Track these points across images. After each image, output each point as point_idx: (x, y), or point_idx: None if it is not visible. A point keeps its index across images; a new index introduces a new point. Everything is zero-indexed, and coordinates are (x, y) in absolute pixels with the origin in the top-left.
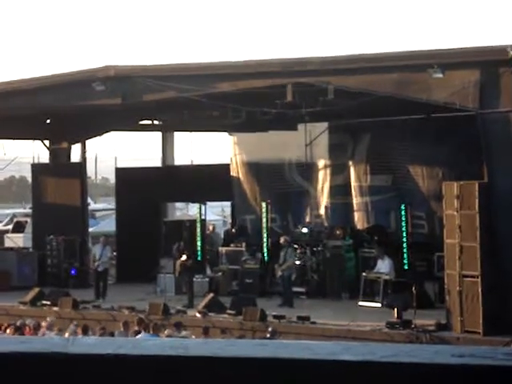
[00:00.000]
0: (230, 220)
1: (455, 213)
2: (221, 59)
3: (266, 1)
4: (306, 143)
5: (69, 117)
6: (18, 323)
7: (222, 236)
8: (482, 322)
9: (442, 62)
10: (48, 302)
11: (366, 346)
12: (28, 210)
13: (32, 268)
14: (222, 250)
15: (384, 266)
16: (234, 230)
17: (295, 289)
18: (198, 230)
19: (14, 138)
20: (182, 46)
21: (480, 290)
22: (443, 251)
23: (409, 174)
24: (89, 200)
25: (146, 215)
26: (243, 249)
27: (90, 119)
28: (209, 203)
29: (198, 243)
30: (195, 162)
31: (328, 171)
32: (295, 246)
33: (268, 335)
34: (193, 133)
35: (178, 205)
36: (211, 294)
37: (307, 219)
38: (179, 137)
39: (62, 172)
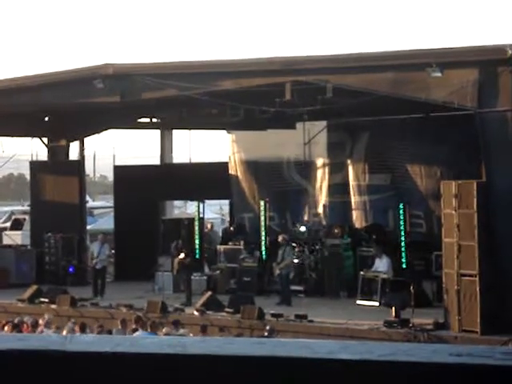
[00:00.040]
0: (228, 218)
1: (453, 212)
2: (219, 57)
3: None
4: (304, 142)
5: (67, 114)
6: (16, 321)
7: (221, 234)
8: (479, 321)
9: (441, 61)
10: (46, 300)
11: (364, 344)
12: (26, 208)
13: (30, 265)
14: (220, 248)
15: (382, 264)
16: (232, 229)
17: (293, 287)
18: (197, 228)
19: (12, 136)
20: (180, 45)
21: (478, 289)
22: (441, 250)
23: (407, 173)
24: (87, 198)
25: (144, 213)
26: (241, 247)
27: (89, 117)
28: (207, 201)
29: (196, 241)
30: (194, 160)
31: (326, 170)
32: (293, 244)
33: (266, 333)
34: (191, 131)
35: (177, 203)
36: (209, 292)
37: (305, 218)
38: (178, 135)
39: (60, 170)
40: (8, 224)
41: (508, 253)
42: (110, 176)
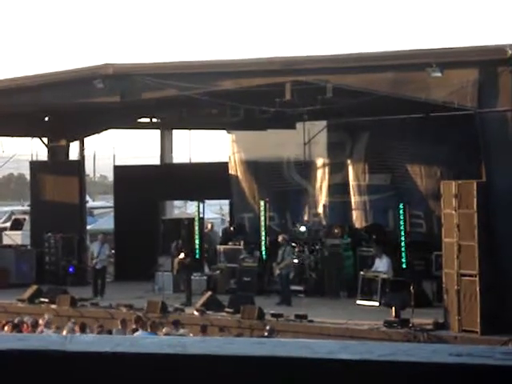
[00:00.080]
0: (228, 218)
1: (453, 212)
2: (219, 57)
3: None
4: (304, 142)
5: (67, 114)
6: (16, 321)
7: (220, 234)
8: (479, 321)
9: (441, 61)
10: (46, 300)
11: (364, 344)
12: (26, 208)
13: (30, 265)
14: (220, 248)
15: (382, 264)
16: (232, 229)
17: (293, 287)
18: (197, 228)
19: (12, 136)
20: (180, 45)
21: (478, 289)
22: (441, 250)
23: (407, 173)
24: (87, 198)
25: (144, 213)
26: (241, 247)
27: (89, 117)
28: (207, 201)
29: (196, 241)
30: (194, 160)
31: (326, 170)
32: (293, 244)
33: (266, 333)
34: (191, 131)
35: (177, 203)
36: (209, 292)
37: (305, 218)
38: (178, 135)
39: (60, 170)
40: (8, 224)
41: (508, 253)
42: (110, 176)
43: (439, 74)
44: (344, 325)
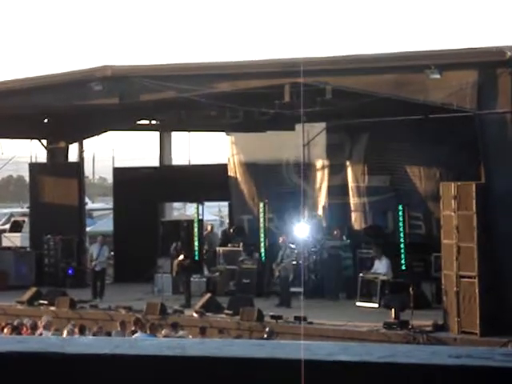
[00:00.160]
0: (226, 220)
1: (452, 213)
2: (218, 59)
3: (264, 1)
4: (303, 143)
5: (66, 116)
6: (16, 323)
7: (220, 236)
8: (479, 322)
9: (440, 62)
10: (45, 302)
11: (364, 346)
12: (25, 210)
13: (29, 267)
14: (220, 250)
15: (381, 266)
16: (231, 230)
17: (292, 289)
18: (196, 229)
19: (11, 138)
20: (179, 47)
21: (477, 290)
22: (440, 252)
23: (406, 175)
24: (86, 199)
25: (143, 215)
26: (240, 249)
27: (88, 119)
28: (206, 203)
29: (196, 243)
30: (193, 162)
31: (326, 171)
32: (293, 245)
33: (265, 335)
34: (190, 133)
35: (176, 205)
36: (208, 294)
37: (305, 219)
38: (177, 137)
39: (59, 171)
40: (7, 226)
41: (507, 254)
42: (110, 178)
43: (438, 76)
44: (343, 326)
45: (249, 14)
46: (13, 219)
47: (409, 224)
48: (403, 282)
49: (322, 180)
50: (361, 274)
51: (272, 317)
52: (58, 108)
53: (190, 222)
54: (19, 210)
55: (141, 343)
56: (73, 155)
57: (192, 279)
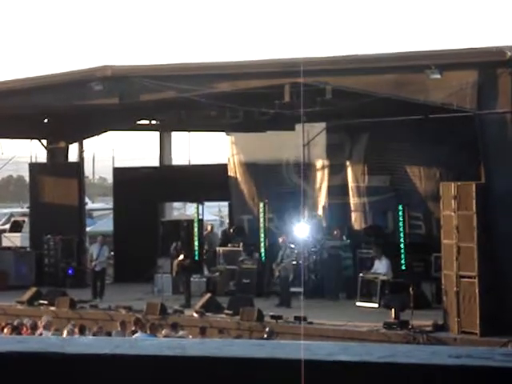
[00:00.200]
0: (226, 220)
1: (452, 213)
2: (218, 59)
3: (264, 1)
4: (303, 143)
5: (66, 116)
6: (16, 323)
7: (220, 236)
8: (479, 322)
9: (440, 62)
10: (45, 302)
11: (364, 346)
12: (25, 210)
13: (29, 267)
14: (220, 250)
15: (381, 266)
16: (231, 230)
17: (292, 289)
18: (196, 229)
19: (11, 138)
20: (179, 47)
21: (477, 290)
22: (440, 252)
23: (406, 175)
24: (86, 199)
25: (143, 215)
26: (240, 249)
27: (88, 119)
28: (206, 203)
29: (196, 243)
30: (193, 162)
31: (326, 171)
32: (293, 246)
33: (265, 335)
34: (190, 133)
35: (176, 204)
36: (208, 294)
37: (305, 219)
38: (177, 137)
39: (59, 171)
40: (7, 226)
41: (507, 254)
42: (110, 178)
43: (438, 76)
44: (343, 326)
45: (249, 13)
46: (13, 219)
47: (409, 224)
48: (403, 282)
49: (321, 180)
50: (361, 274)
51: (272, 317)
52: (58, 108)
53: (190, 222)
54: (19, 209)
55: (141, 343)
56: (73, 155)
57: (192, 279)
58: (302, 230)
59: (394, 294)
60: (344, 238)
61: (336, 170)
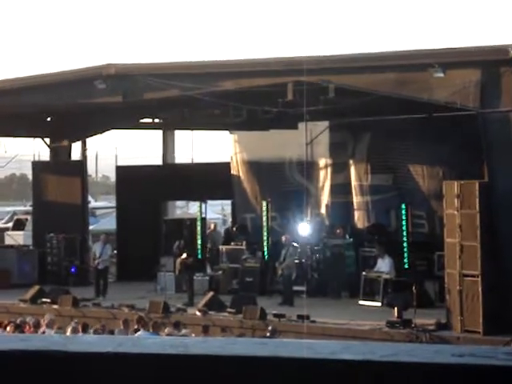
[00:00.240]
0: (229, 218)
1: (456, 212)
2: (222, 58)
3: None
4: (306, 142)
5: (70, 115)
6: (18, 321)
7: (223, 234)
8: (482, 321)
9: (443, 61)
10: (48, 300)
11: (366, 345)
12: (28, 208)
13: (32, 266)
14: (223, 248)
15: (384, 265)
16: (234, 229)
17: (295, 287)
18: (199, 228)
19: (14, 136)
20: (183, 45)
21: (480, 289)
22: (443, 250)
23: (409, 174)
24: (89, 198)
25: (146, 213)
26: (243, 247)
27: (91, 117)
28: (209, 201)
29: (199, 241)
30: (196, 161)
31: (329, 170)
32: (296, 244)
33: (268, 334)
34: (194, 131)
35: (179, 203)
36: (211, 293)
37: (308, 218)
38: (180, 135)
39: (62, 170)
40: (10, 224)
41: (510, 253)
42: (112, 176)
43: (441, 75)
44: (346, 325)
45: (252, 12)
46: (16, 217)
47: (412, 223)
48: (406, 281)
49: (324, 178)
50: (364, 273)
51: (275, 315)
52: (62, 106)
53: (193, 221)
54: (22, 208)
55: (143, 341)
56: (76, 153)
57: (195, 277)
58: (304, 229)
59: (396, 292)
60: (347, 236)
61: (339, 168)
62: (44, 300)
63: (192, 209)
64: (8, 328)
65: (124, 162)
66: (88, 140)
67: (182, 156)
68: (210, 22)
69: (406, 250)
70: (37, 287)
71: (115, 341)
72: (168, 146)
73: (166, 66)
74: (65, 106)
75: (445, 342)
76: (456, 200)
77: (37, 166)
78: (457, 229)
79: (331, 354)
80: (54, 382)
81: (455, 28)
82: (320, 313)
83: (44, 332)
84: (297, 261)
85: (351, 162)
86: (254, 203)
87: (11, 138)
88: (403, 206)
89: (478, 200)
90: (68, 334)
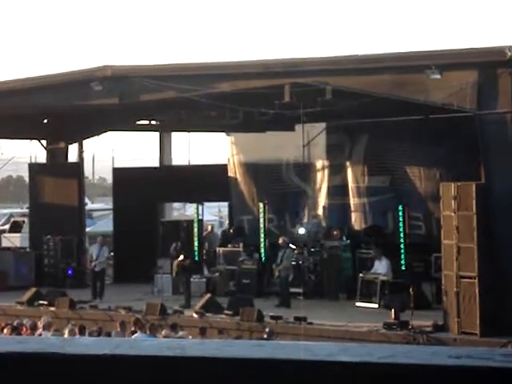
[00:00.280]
0: (226, 220)
1: (452, 214)
2: (219, 59)
3: (265, 1)
4: (303, 144)
5: (66, 117)
6: (15, 323)
7: (220, 236)
8: (479, 323)
9: (440, 62)
10: (45, 302)
11: (364, 346)
12: (25, 210)
13: (29, 268)
14: (220, 250)
15: (381, 266)
16: (231, 231)
17: (292, 289)
18: (196, 230)
19: (11, 138)
20: (179, 47)
21: (477, 290)
22: (440, 252)
23: (406, 175)
24: (86, 200)
25: (143, 215)
26: (240, 249)
27: (88, 119)
28: (206, 203)
29: (196, 243)
30: (193, 162)
31: (326, 172)
32: (293, 246)
33: (265, 336)
34: (190, 133)
35: (176, 205)
36: (208, 295)
37: (305, 220)
38: (177, 137)
39: (59, 172)
40: (7, 226)
41: (507, 255)
42: (109, 178)
43: (438, 76)
44: (343, 327)
45: (249, 13)
46: (12, 219)
47: (409, 224)
48: (403, 283)
49: (321, 180)
50: (361, 275)
51: (272, 317)
52: (58, 108)
53: (190, 223)
54: (19, 210)
55: (141, 344)
56: (72, 155)
57: (192, 279)
58: (301, 231)
59: (393, 294)
60: (344, 238)
61: (336, 170)
62: (41, 302)
63: (189, 211)
64: (5, 330)
65: (121, 163)
66: (85, 142)
67: (178, 158)
68: (206, 23)
69: (402, 251)
70: (34, 289)
71: (112, 343)
72: (165, 147)
73: (163, 67)
74: (61, 108)
75: (442, 344)
76: (453, 202)
77: (33, 168)
78: (454, 230)
79: (328, 355)
80: None
81: (452, 29)
82: (317, 314)
83: (41, 334)
84: (294, 263)
85: (348, 163)
86: (251, 205)
87: (8, 140)
88: (400, 208)
89: (474, 202)
90: (65, 336)
